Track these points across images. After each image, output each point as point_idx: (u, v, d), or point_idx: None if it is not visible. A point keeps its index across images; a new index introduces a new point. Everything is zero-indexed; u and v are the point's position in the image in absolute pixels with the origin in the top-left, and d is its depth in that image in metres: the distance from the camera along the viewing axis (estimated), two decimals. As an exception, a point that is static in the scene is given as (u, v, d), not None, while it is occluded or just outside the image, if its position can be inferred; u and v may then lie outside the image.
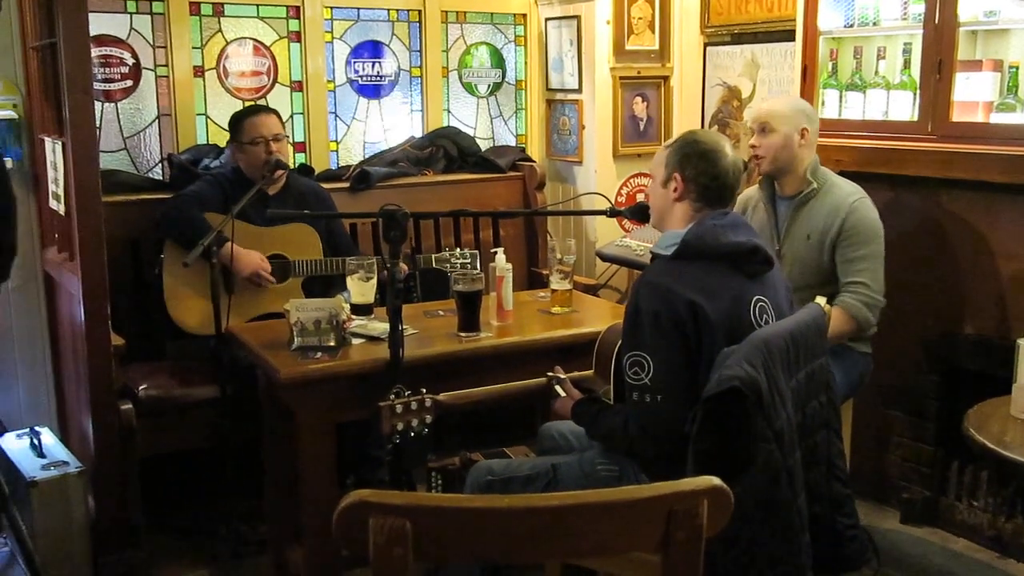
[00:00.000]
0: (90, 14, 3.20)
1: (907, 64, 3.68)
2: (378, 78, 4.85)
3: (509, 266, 3.22)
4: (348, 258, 3.27)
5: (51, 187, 3.54)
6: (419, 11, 4.85)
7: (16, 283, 3.92)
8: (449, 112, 5.04)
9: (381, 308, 3.08)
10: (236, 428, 3.47)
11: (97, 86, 4.04)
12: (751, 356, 2.13)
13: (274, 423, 3.16)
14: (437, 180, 4.68)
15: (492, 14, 5.08)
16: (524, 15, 5.15)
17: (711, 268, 2.36)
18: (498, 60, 5.15)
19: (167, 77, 4.29)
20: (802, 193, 3.34)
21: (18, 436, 3.53)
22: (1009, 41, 3.52)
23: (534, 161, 4.98)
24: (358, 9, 4.73)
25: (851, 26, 3.85)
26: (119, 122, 4.26)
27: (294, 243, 3.81)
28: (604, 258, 4.58)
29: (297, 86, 4.60)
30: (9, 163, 3.81)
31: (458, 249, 3.79)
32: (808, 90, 3.94)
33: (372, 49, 4.81)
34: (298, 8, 4.54)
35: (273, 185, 3.86)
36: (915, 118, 3.63)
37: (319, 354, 2.86)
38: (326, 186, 4.22)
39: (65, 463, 3.32)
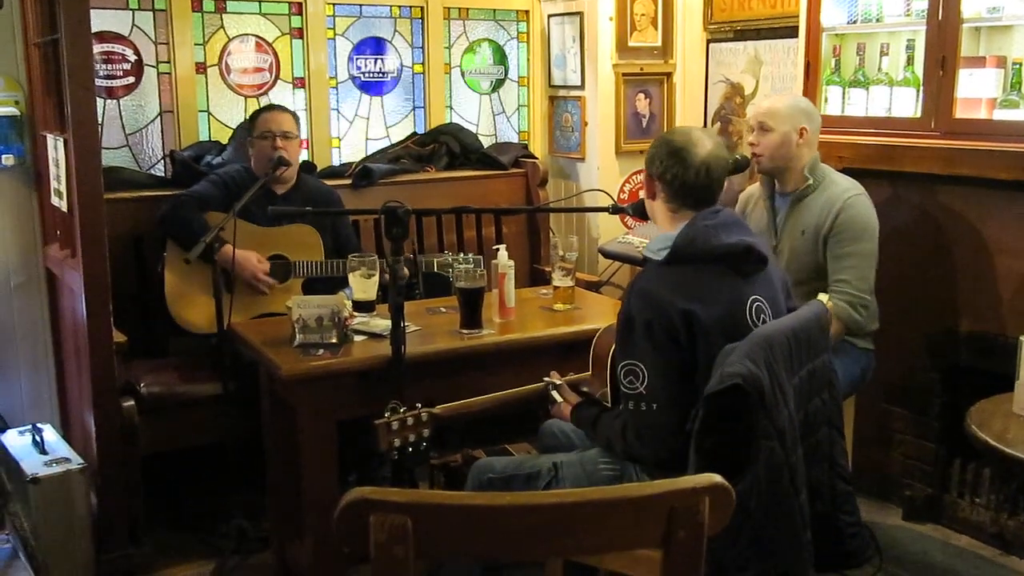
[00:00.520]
0: (92, 10, 3.19)
1: (910, 61, 3.67)
2: (380, 75, 4.84)
3: (511, 263, 3.22)
4: (350, 256, 3.26)
5: (53, 184, 3.54)
6: (421, 7, 4.85)
7: (18, 280, 3.93)
8: (451, 109, 5.04)
9: (383, 305, 3.08)
10: (238, 425, 3.47)
11: (99, 83, 4.04)
12: (753, 353, 2.13)
13: (276, 420, 3.16)
14: (439, 177, 4.68)
15: (495, 10, 5.07)
16: (527, 11, 5.14)
17: (704, 271, 2.33)
18: (500, 57, 5.15)
19: (169, 74, 4.30)
20: (799, 189, 3.34)
21: (20, 432, 3.53)
22: (1012, 37, 3.51)
23: (536, 158, 4.98)
24: (360, 6, 4.72)
25: (854, 22, 3.84)
26: (121, 119, 4.26)
27: (295, 244, 3.81)
28: (606, 255, 4.58)
29: (299, 83, 4.60)
30: (11, 160, 3.82)
31: (461, 254, 3.78)
32: (811, 87, 3.93)
33: (374, 46, 4.80)
34: (300, 5, 4.53)
35: (282, 185, 3.86)
36: (918, 115, 3.62)
37: (321, 351, 2.86)
38: (328, 183, 4.22)
39: (67, 460, 3.32)
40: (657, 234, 2.49)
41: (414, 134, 4.88)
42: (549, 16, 5.10)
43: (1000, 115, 3.42)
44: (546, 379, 2.75)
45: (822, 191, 3.32)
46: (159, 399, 3.52)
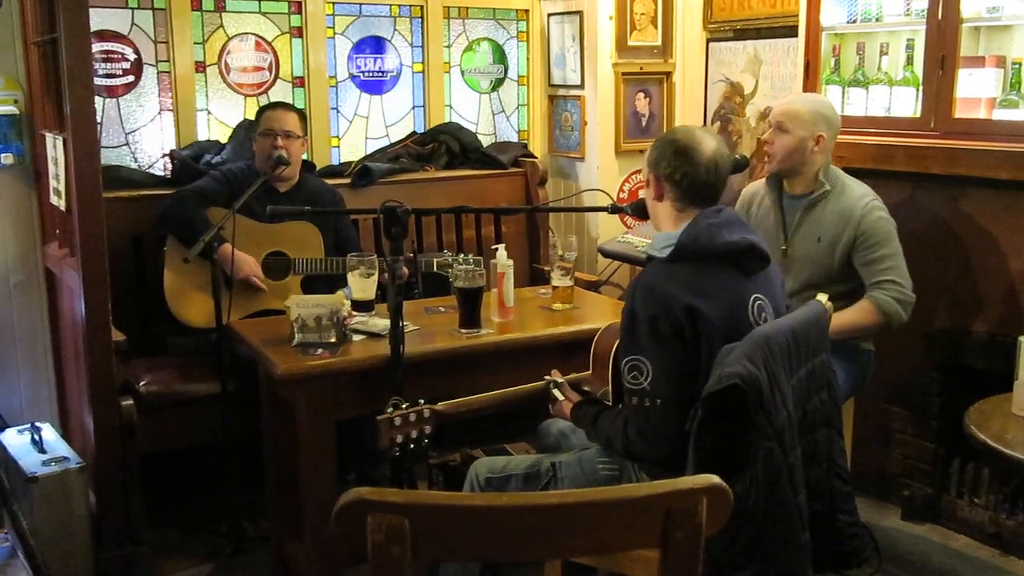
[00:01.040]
0: (91, 9, 3.19)
1: (910, 60, 3.67)
2: (380, 74, 4.84)
3: (510, 262, 3.22)
4: (349, 255, 3.26)
5: (52, 183, 3.54)
6: (421, 7, 4.85)
7: (17, 279, 3.93)
8: (451, 108, 5.04)
9: (382, 304, 3.08)
10: (237, 424, 3.47)
11: (98, 82, 4.04)
12: (752, 353, 2.13)
13: (275, 419, 3.16)
14: (439, 176, 4.68)
15: (494, 10, 5.07)
16: (526, 11, 5.14)
17: (707, 268, 2.34)
18: (500, 56, 5.14)
19: (168, 73, 4.29)
20: (813, 194, 3.31)
21: (19, 431, 3.53)
22: (1012, 37, 3.51)
23: (536, 157, 4.98)
24: (360, 5, 4.72)
25: (854, 22, 3.84)
26: (120, 118, 4.26)
27: (295, 241, 3.81)
28: (606, 254, 4.58)
29: (299, 82, 4.60)
30: (10, 159, 3.82)
31: (461, 255, 3.78)
32: (810, 86, 3.93)
33: (374, 45, 4.80)
34: (300, 4, 4.53)
35: (284, 183, 3.87)
36: (918, 114, 3.62)
37: (320, 350, 2.86)
38: (328, 182, 4.22)
39: (66, 459, 3.32)
40: (657, 234, 2.49)
41: (413, 133, 4.88)
42: (549, 15, 5.09)
43: (999, 115, 3.42)
44: (547, 377, 2.75)
45: (836, 197, 3.28)
46: (158, 398, 3.52)
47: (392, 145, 4.80)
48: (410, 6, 4.84)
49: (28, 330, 3.98)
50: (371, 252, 3.38)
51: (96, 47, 3.99)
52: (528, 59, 5.20)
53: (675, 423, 2.24)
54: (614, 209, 3.07)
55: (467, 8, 4.99)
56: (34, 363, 4.01)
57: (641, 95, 4.98)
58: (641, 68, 4.95)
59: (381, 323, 2.99)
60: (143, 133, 4.31)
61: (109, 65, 4.18)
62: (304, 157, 4.47)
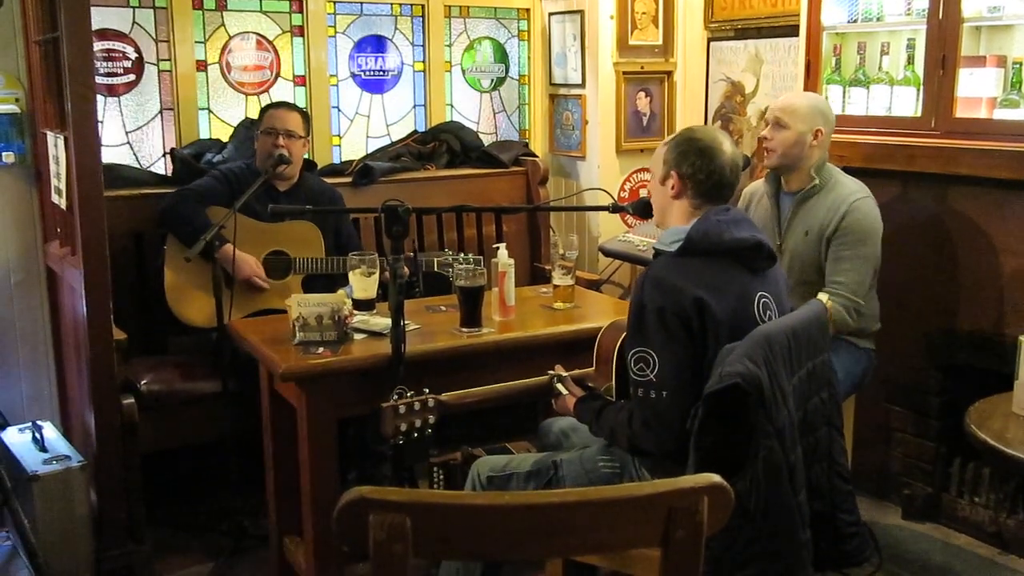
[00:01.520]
0: (92, 8, 3.19)
1: (911, 60, 3.67)
2: (381, 73, 4.84)
3: (511, 261, 3.22)
4: (350, 254, 3.26)
5: (53, 181, 3.54)
6: (422, 6, 4.85)
7: (18, 277, 3.93)
8: (452, 107, 5.04)
9: (383, 303, 3.08)
10: (238, 423, 3.47)
11: (100, 80, 4.05)
12: (752, 352, 2.13)
13: (276, 418, 3.16)
14: (440, 175, 4.69)
15: (495, 9, 5.07)
16: (527, 10, 5.14)
17: (715, 264, 2.36)
18: (501, 55, 5.15)
19: (170, 71, 4.30)
20: (804, 189, 3.34)
21: (20, 430, 3.53)
22: (1013, 37, 3.51)
23: (537, 156, 4.98)
24: (361, 4, 4.73)
25: (855, 21, 3.84)
26: (122, 116, 4.26)
27: (296, 240, 3.81)
28: (607, 253, 4.58)
29: (300, 81, 4.60)
30: (11, 157, 3.82)
31: (462, 254, 3.78)
32: (811, 86, 3.93)
33: (375, 44, 4.81)
34: (301, 2, 4.54)
35: (284, 182, 3.87)
36: (918, 114, 3.62)
37: (321, 349, 2.86)
38: (329, 181, 4.22)
39: (67, 457, 3.32)
40: (657, 233, 2.50)
41: (415, 132, 4.88)
42: (550, 14, 5.10)
43: (1000, 114, 3.42)
44: (551, 372, 2.76)
45: (828, 192, 3.31)
46: (159, 397, 3.53)
47: (393, 144, 4.80)
48: (411, 5, 4.84)
49: (29, 329, 3.98)
50: (372, 251, 3.38)
51: (97, 46, 3.99)
52: (529, 58, 5.20)
53: (680, 415, 2.24)
54: (615, 208, 3.07)
55: (468, 7, 5.00)
56: (35, 362, 4.01)
57: (642, 94, 4.98)
58: (642, 67, 4.96)
59: (382, 322, 2.99)
60: (144, 132, 4.31)
61: (110, 64, 4.18)
62: (305, 156, 4.49)
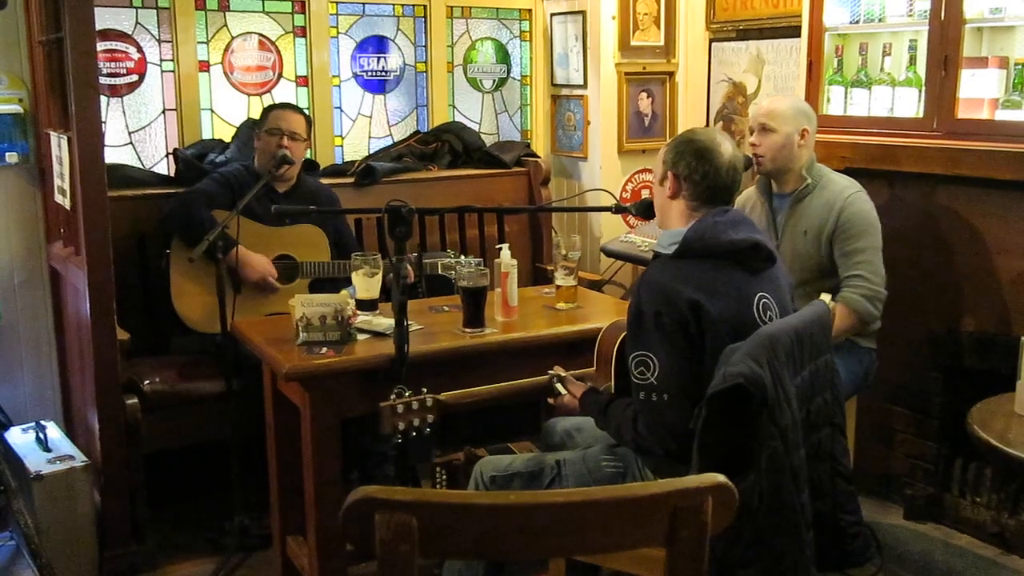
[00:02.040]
0: (96, 9, 3.20)
1: (912, 61, 3.67)
2: (383, 73, 4.85)
3: (514, 262, 3.22)
4: (354, 255, 3.27)
5: (57, 182, 3.55)
6: (424, 6, 4.86)
7: (22, 277, 3.94)
8: (454, 107, 5.05)
9: (386, 304, 3.09)
10: (241, 423, 3.48)
11: (103, 81, 4.05)
12: (756, 353, 2.13)
13: (279, 418, 3.17)
14: (442, 175, 4.69)
15: (497, 9, 5.08)
16: (529, 10, 5.15)
17: (712, 266, 2.35)
18: (503, 55, 5.15)
19: (173, 72, 4.31)
20: (798, 190, 3.35)
21: (24, 430, 3.55)
22: (1014, 38, 3.51)
23: (539, 157, 4.99)
24: (363, 4, 4.73)
25: (857, 22, 3.84)
26: (124, 117, 4.27)
27: (301, 244, 3.81)
28: (608, 254, 4.59)
29: (302, 81, 4.61)
30: (15, 157, 3.83)
31: (463, 256, 3.79)
32: (813, 86, 3.94)
33: (377, 44, 4.81)
34: (303, 3, 4.54)
35: (283, 183, 3.87)
36: (920, 115, 3.63)
37: (324, 349, 2.86)
38: (331, 181, 4.23)
39: (71, 457, 3.33)
40: (659, 233, 2.50)
41: (417, 132, 4.89)
42: (552, 15, 5.10)
43: (1002, 115, 3.43)
44: (550, 372, 2.76)
45: (821, 191, 3.33)
46: (162, 397, 3.53)
47: (395, 144, 4.80)
48: (413, 6, 4.85)
49: (33, 329, 3.99)
50: (374, 251, 3.38)
51: (100, 46, 4.00)
52: (531, 59, 5.21)
53: (682, 417, 2.25)
54: (617, 209, 3.08)
55: (470, 8, 5.00)
56: (39, 362, 4.01)
57: (644, 95, 4.99)
58: (644, 68, 4.96)
59: (385, 322, 3.00)
60: (147, 132, 4.32)
61: (113, 64, 4.19)
62: (307, 156, 4.49)
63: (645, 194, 4.70)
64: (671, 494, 1.47)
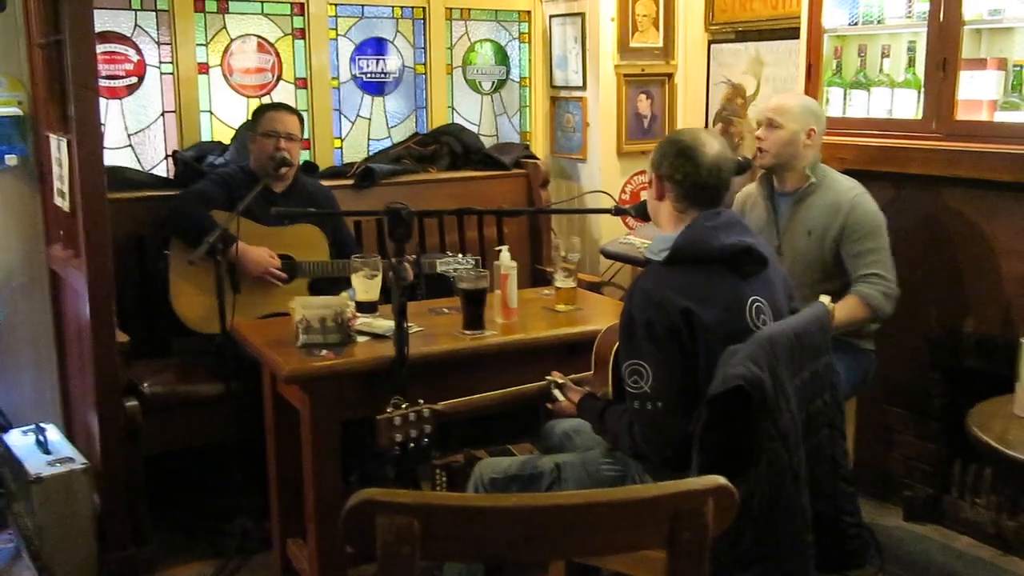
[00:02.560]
0: (95, 11, 3.20)
1: (911, 62, 3.68)
2: (382, 75, 4.85)
3: (513, 264, 3.23)
4: (353, 256, 3.27)
5: (56, 184, 3.55)
6: (423, 8, 4.86)
7: (22, 280, 3.94)
8: (453, 109, 5.05)
9: (386, 306, 3.09)
10: (241, 425, 3.48)
11: (102, 83, 4.04)
12: (756, 355, 2.13)
13: (278, 420, 3.17)
14: (441, 177, 4.69)
15: (496, 11, 5.08)
16: (528, 12, 5.15)
17: (703, 272, 2.34)
18: (502, 57, 5.15)
19: (172, 74, 4.30)
20: (801, 189, 3.35)
21: (24, 432, 3.54)
22: (1013, 39, 3.52)
23: (538, 158, 4.99)
24: (362, 6, 4.73)
25: (855, 24, 3.85)
26: (124, 119, 4.27)
27: (301, 244, 3.82)
28: (608, 255, 4.58)
29: (301, 83, 4.61)
30: (14, 160, 3.83)
31: (460, 256, 3.80)
32: (812, 88, 3.94)
33: (376, 46, 4.81)
34: (302, 5, 4.54)
35: (280, 184, 3.88)
36: (919, 116, 3.63)
37: (324, 351, 2.87)
38: (330, 183, 4.23)
39: (71, 459, 3.33)
40: (658, 235, 2.50)
41: (416, 134, 4.89)
42: (551, 17, 5.10)
43: (1001, 117, 3.43)
44: (548, 378, 2.76)
45: (824, 191, 3.33)
46: (162, 399, 3.53)
47: (394, 146, 4.80)
48: (412, 7, 4.85)
49: (32, 331, 3.98)
50: (374, 253, 3.39)
51: (99, 48, 3.99)
52: (530, 60, 5.21)
53: (677, 425, 2.25)
54: (617, 211, 3.08)
55: (469, 9, 5.00)
56: (38, 364, 4.01)
57: (643, 96, 4.99)
58: (643, 69, 4.96)
59: (385, 324, 3.00)
60: (146, 134, 4.32)
61: (112, 66, 4.19)
62: (307, 158, 4.50)
63: (644, 196, 4.69)
64: (672, 496, 1.48)
